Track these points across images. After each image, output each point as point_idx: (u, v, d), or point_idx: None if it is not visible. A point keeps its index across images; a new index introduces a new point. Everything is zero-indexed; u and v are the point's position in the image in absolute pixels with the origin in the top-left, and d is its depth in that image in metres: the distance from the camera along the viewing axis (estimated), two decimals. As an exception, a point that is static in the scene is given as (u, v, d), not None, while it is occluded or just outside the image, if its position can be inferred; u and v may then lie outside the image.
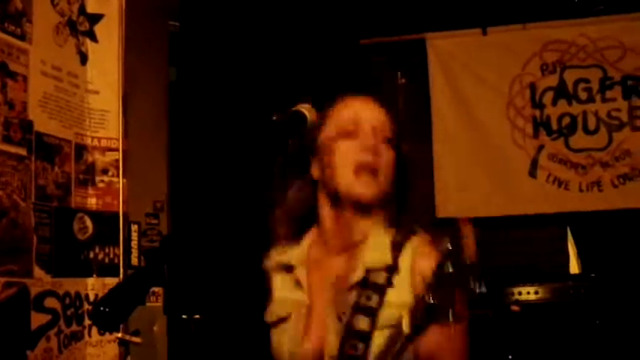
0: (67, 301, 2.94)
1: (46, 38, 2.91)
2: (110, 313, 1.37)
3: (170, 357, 3.02)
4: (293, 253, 1.78)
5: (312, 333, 1.72)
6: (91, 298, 3.01)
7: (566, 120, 4.44)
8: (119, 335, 2.92)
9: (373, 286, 1.66)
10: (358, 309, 1.65)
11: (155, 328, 3.06)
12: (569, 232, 4.26)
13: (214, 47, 4.20)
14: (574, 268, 4.23)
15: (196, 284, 1.92)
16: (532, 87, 4.49)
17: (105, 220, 3.12)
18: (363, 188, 1.70)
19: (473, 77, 4.49)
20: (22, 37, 2.78)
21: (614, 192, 4.27)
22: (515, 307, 3.60)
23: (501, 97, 4.47)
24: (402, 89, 4.51)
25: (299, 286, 1.76)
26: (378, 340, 1.59)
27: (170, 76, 3.66)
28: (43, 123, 2.87)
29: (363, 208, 1.73)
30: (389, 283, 1.66)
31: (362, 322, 1.63)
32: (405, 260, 1.68)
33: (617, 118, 4.38)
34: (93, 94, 3.13)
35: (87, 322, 3.00)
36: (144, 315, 3.04)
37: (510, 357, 3.34)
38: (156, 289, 3.09)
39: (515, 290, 3.64)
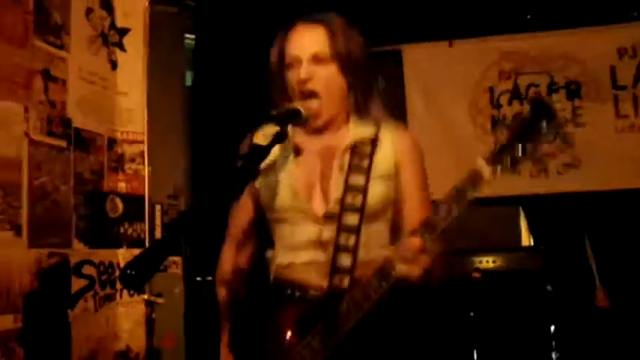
0: (102, 268, 2.95)
1: (82, 48, 2.91)
2: (135, 276, 1.38)
3: (187, 314, 3.03)
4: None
5: (309, 187, 1.68)
6: (122, 265, 3.02)
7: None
8: (145, 297, 2.94)
9: (362, 154, 1.67)
10: (353, 168, 1.65)
11: (175, 291, 3.06)
12: (521, 210, 4.27)
13: (227, 55, 4.18)
14: (525, 240, 4.23)
15: (211, 251, 1.91)
16: (491, 90, 4.48)
17: (132, 201, 3.13)
18: (308, 112, 1.66)
19: (441, 82, 4.48)
20: (62, 47, 2.78)
21: (559, 178, 4.29)
22: (476, 274, 3.60)
23: (465, 99, 4.47)
24: (381, 92, 4.51)
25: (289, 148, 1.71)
26: (374, 188, 1.63)
27: (187, 80, 3.65)
28: (80, 120, 2.87)
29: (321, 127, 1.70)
30: (373, 151, 1.68)
31: (357, 178, 1.64)
32: (384, 134, 1.71)
33: (562, 117, 4.39)
34: (122, 95, 3.13)
35: (118, 286, 3.01)
36: (166, 280, 3.05)
37: (472, 314, 3.35)
38: (176, 258, 3.09)
39: (477, 259, 3.65)
